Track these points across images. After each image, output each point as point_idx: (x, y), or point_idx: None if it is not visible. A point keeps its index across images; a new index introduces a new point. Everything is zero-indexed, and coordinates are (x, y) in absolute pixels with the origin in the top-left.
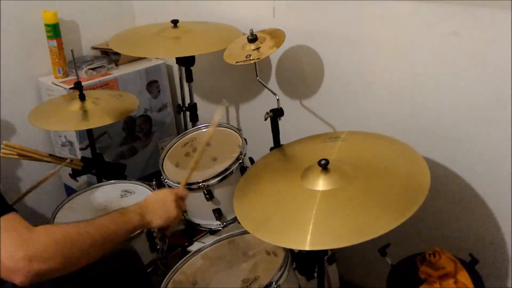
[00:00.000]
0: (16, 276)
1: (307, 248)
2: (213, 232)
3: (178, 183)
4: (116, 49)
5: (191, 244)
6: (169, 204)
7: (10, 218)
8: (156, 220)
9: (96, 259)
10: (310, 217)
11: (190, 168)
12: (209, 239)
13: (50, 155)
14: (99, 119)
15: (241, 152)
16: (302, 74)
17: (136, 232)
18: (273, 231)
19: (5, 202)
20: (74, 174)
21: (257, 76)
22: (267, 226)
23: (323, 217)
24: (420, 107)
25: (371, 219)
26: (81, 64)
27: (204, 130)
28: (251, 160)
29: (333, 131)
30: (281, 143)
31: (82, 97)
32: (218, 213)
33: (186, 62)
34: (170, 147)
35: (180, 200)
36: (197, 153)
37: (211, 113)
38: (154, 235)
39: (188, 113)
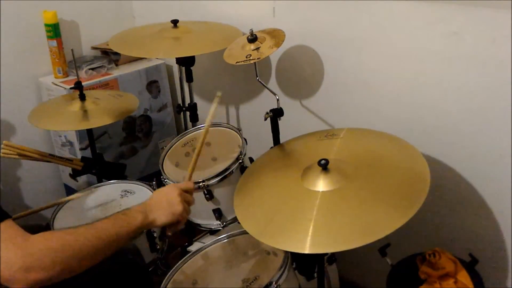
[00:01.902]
0: (15, 286)
1: (307, 251)
2: (213, 232)
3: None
4: (116, 49)
5: (191, 244)
6: (173, 199)
7: (7, 226)
8: (160, 217)
9: (99, 261)
10: (310, 219)
11: (193, 159)
12: (209, 239)
13: (50, 155)
14: (99, 119)
15: (241, 152)
16: (302, 74)
17: (141, 232)
18: (273, 234)
19: (0, 208)
20: (74, 174)
21: (257, 76)
22: (267, 228)
23: (324, 219)
24: (420, 107)
25: (373, 220)
26: (81, 64)
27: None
28: (251, 160)
29: (330, 128)
30: (281, 143)
31: (82, 97)
32: (218, 213)
33: (186, 62)
34: (170, 147)
35: (185, 194)
36: (198, 145)
37: None
38: (166, 233)
39: (188, 113)
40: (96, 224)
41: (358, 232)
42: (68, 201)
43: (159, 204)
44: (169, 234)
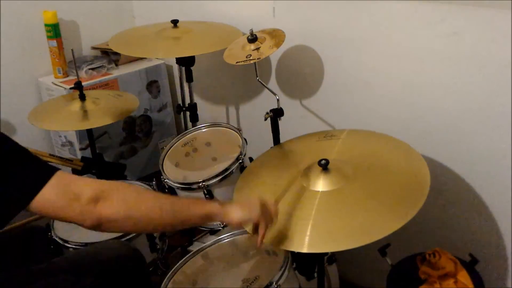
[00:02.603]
0: (86, 222)
1: (305, 251)
2: (213, 232)
3: (178, 183)
4: (116, 49)
5: (191, 244)
6: (253, 202)
7: (61, 175)
8: (236, 211)
9: (163, 230)
10: (309, 219)
11: (284, 189)
12: (209, 239)
13: (50, 155)
14: (99, 119)
15: (241, 152)
16: (302, 74)
17: (213, 222)
18: (272, 233)
19: (48, 164)
20: (74, 174)
21: (257, 76)
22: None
23: (322, 219)
24: (420, 107)
25: (373, 221)
26: (81, 64)
27: (204, 130)
28: (251, 160)
29: (328, 130)
30: (281, 143)
31: (82, 97)
32: None
33: (186, 62)
34: (170, 147)
35: (265, 207)
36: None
37: (211, 113)
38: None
39: (188, 113)
40: (175, 198)
41: (357, 232)
42: None
43: (238, 203)
44: (258, 238)
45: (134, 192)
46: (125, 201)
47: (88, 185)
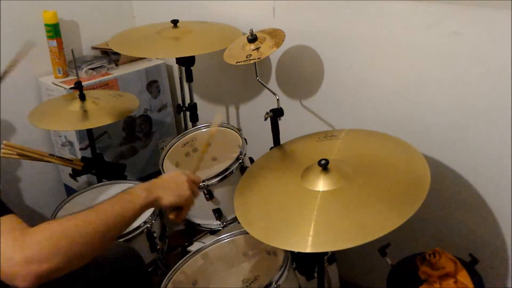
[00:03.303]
0: (17, 281)
1: (308, 250)
2: (213, 232)
3: None
4: (116, 49)
5: (191, 244)
6: (181, 182)
7: (7, 221)
8: (168, 196)
9: (106, 248)
10: (311, 219)
11: (199, 157)
12: (209, 239)
13: (50, 155)
14: (99, 119)
15: (241, 152)
16: (302, 74)
17: (144, 212)
18: (273, 233)
19: (2, 203)
20: (74, 174)
21: (257, 76)
22: (267, 227)
23: (324, 219)
24: (420, 107)
25: (373, 219)
26: (81, 64)
27: (204, 130)
28: (251, 160)
29: (328, 129)
30: (281, 143)
31: (82, 97)
32: (218, 213)
33: (186, 62)
34: (170, 147)
35: (192, 183)
36: (203, 145)
37: (211, 113)
38: (168, 216)
39: (188, 113)
40: (98, 207)
41: (359, 231)
42: None
43: (167, 184)
44: (172, 217)
45: (64, 233)
46: (62, 251)
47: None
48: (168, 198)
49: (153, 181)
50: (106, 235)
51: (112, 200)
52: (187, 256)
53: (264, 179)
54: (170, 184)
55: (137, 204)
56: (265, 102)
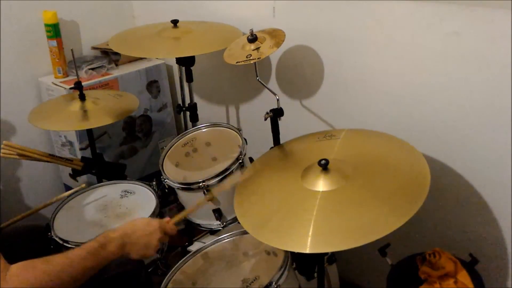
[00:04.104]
0: None
1: (307, 251)
2: (213, 232)
3: (178, 183)
4: (116, 49)
5: (191, 244)
6: (153, 240)
7: None
8: (134, 254)
9: None
10: (310, 219)
11: (188, 210)
12: (209, 239)
13: (50, 155)
14: (99, 119)
15: (241, 152)
16: (302, 74)
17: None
18: (273, 233)
19: None
20: (74, 174)
21: (257, 76)
22: (267, 228)
23: (324, 219)
24: (420, 107)
25: (373, 220)
26: (81, 64)
27: (204, 130)
28: (251, 160)
29: (329, 129)
30: (281, 143)
31: (82, 97)
32: (218, 213)
33: (186, 62)
34: (170, 147)
35: (164, 236)
36: (200, 202)
37: (211, 113)
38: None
39: (188, 113)
40: (72, 257)
41: (358, 231)
42: (63, 199)
43: (138, 241)
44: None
45: (38, 281)
46: None
47: None
48: (136, 254)
49: (128, 233)
50: (77, 281)
51: (88, 253)
52: (187, 256)
53: (264, 179)
54: (140, 243)
55: (108, 260)
56: (265, 102)
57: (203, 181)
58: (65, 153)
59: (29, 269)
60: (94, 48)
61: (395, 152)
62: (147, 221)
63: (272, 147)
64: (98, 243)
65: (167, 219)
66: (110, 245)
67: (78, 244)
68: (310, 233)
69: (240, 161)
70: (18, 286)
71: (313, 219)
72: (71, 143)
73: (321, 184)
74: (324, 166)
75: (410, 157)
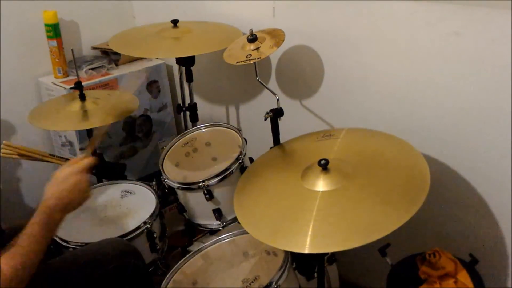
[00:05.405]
0: None
1: (306, 251)
2: (213, 232)
3: (178, 183)
4: (116, 49)
5: (191, 244)
6: (82, 185)
7: None
8: (76, 206)
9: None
10: (310, 219)
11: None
12: (209, 239)
13: (50, 155)
14: (99, 119)
15: (241, 152)
16: (302, 74)
17: None
18: (273, 233)
19: None
20: None
21: (257, 76)
22: (267, 227)
23: (323, 219)
24: (420, 107)
25: (372, 220)
26: (81, 64)
27: (204, 130)
28: (251, 160)
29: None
30: (281, 143)
31: (82, 97)
32: (218, 213)
33: (186, 62)
34: (170, 147)
35: (87, 173)
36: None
37: (211, 113)
38: None
39: (188, 113)
40: (32, 232)
41: (358, 232)
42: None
43: (72, 196)
44: None
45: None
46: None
47: None
48: (78, 205)
49: (59, 198)
50: (40, 256)
51: (40, 224)
52: (187, 256)
53: (264, 179)
54: (73, 193)
55: (57, 226)
56: (265, 102)
57: (203, 181)
58: (65, 153)
59: (8, 255)
60: (94, 48)
61: (395, 152)
62: (64, 175)
63: (272, 147)
64: (45, 214)
65: (76, 159)
66: (56, 214)
67: (78, 244)
68: (309, 233)
69: (240, 161)
70: (10, 273)
71: (313, 219)
72: (71, 143)
73: (321, 184)
74: (324, 166)
75: (410, 157)
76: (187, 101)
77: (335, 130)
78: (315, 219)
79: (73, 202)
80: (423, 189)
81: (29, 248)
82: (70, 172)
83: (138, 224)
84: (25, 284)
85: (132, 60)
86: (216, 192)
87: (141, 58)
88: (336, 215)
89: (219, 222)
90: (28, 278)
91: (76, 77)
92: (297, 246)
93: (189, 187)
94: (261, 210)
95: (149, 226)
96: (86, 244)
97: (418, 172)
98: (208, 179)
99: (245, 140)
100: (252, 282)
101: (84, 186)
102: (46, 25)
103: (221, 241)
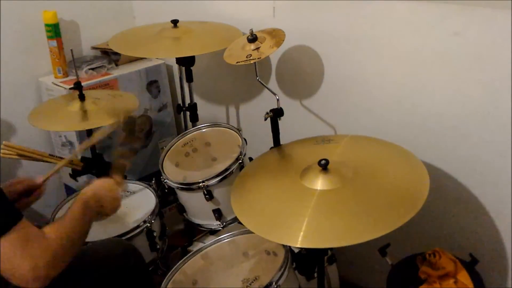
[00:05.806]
0: (35, 285)
1: (298, 245)
2: (213, 232)
3: (178, 183)
4: (116, 49)
5: (191, 244)
6: (116, 193)
7: (22, 227)
8: (107, 209)
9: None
10: (305, 215)
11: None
12: (209, 239)
13: (50, 155)
14: (99, 119)
15: (241, 152)
16: (302, 74)
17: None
18: (266, 226)
19: (14, 209)
20: (74, 174)
21: (257, 76)
22: (261, 220)
23: (318, 216)
24: (420, 107)
25: (370, 221)
26: (81, 64)
27: (204, 130)
28: (251, 160)
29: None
30: (281, 143)
31: (82, 97)
32: (218, 213)
33: (186, 62)
34: (170, 147)
35: (120, 185)
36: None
37: (211, 113)
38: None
39: (188, 113)
40: (73, 214)
41: (349, 232)
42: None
43: (106, 196)
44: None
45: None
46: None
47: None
48: (109, 209)
49: (96, 194)
50: (84, 238)
51: (83, 209)
52: (187, 256)
53: (262, 177)
54: (108, 195)
55: (92, 217)
56: (265, 102)
57: (203, 181)
58: (65, 153)
59: (54, 227)
60: (94, 48)
61: (395, 158)
62: (101, 181)
63: (272, 147)
64: (82, 201)
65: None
66: (91, 201)
67: None
68: (303, 228)
69: (240, 161)
70: (57, 243)
71: (308, 215)
72: (71, 143)
73: (320, 183)
74: (324, 166)
75: (409, 163)
76: (187, 101)
77: (333, 136)
78: (311, 215)
79: (106, 202)
80: (419, 199)
81: (71, 225)
82: (106, 179)
83: (138, 223)
84: (68, 259)
85: (132, 60)
86: (216, 192)
87: (141, 58)
88: (331, 213)
89: (219, 222)
90: (72, 254)
91: (76, 77)
92: (289, 239)
93: (189, 187)
94: (257, 202)
95: (149, 225)
96: (86, 243)
97: (417, 181)
98: (208, 179)
99: (245, 140)
100: (252, 282)
101: (117, 195)
102: (46, 25)
103: (221, 241)
